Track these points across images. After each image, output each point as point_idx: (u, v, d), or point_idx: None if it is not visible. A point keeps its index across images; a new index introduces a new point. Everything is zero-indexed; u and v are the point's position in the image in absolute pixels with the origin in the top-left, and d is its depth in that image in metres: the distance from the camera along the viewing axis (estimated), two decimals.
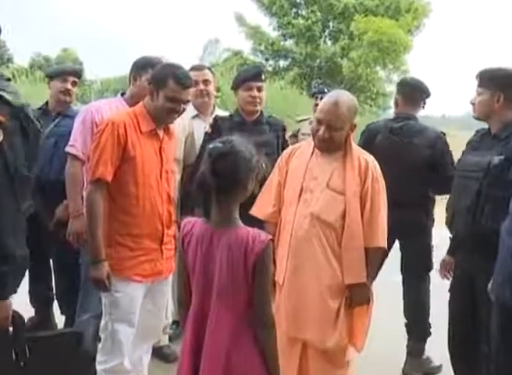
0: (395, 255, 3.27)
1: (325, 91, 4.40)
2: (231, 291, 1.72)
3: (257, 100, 3.10)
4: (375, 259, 2.45)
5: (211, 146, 1.76)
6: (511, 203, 2.08)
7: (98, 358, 2.43)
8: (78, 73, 3.49)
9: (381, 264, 2.69)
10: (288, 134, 3.29)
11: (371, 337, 2.47)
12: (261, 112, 3.17)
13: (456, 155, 2.74)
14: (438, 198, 3.40)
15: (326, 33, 19.86)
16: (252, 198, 2.08)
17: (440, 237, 3.51)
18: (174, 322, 3.50)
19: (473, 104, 2.58)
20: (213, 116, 3.34)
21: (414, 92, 3.33)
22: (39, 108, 3.36)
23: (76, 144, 2.82)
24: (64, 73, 3.38)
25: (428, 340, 3.32)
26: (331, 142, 2.42)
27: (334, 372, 2.43)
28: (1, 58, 24.31)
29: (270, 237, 1.74)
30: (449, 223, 2.64)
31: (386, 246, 2.45)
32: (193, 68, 3.47)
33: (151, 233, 2.41)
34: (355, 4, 18.60)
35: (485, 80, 2.50)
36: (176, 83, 2.36)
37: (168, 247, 2.49)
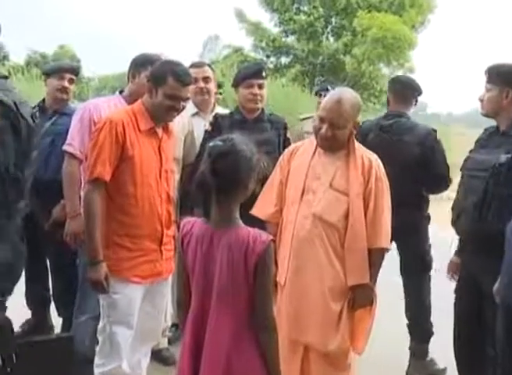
0: (396, 255, 3.29)
1: (329, 88, 4.41)
2: (231, 293, 1.72)
3: (258, 97, 3.09)
4: (377, 260, 2.45)
5: (211, 145, 1.76)
6: None
7: (96, 361, 2.44)
8: (75, 70, 3.49)
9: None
10: (290, 134, 3.29)
11: (372, 338, 2.47)
12: (262, 109, 3.17)
13: (464, 154, 2.74)
14: (437, 197, 3.40)
15: (329, 29, 19.84)
16: (253, 198, 2.08)
17: (437, 237, 3.53)
18: (173, 324, 3.50)
19: (481, 100, 2.58)
20: (213, 113, 3.34)
21: (405, 90, 3.38)
22: (35, 106, 3.36)
23: (73, 142, 2.82)
24: (61, 70, 3.38)
25: (432, 342, 3.33)
26: (334, 141, 2.42)
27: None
28: None
29: (271, 237, 1.74)
30: (455, 223, 2.63)
31: (390, 247, 2.46)
32: (193, 65, 3.47)
33: (150, 234, 2.41)
34: None
35: (494, 76, 2.50)
36: (175, 80, 2.36)
37: (168, 247, 2.49)
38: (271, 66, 19.45)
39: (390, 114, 3.35)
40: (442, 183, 3.26)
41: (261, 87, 3.11)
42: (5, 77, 2.17)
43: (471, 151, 2.69)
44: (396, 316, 3.43)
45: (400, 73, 18.29)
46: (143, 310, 2.47)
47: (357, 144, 2.50)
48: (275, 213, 2.55)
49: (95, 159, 2.29)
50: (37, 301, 3.57)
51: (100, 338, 2.43)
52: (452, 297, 2.73)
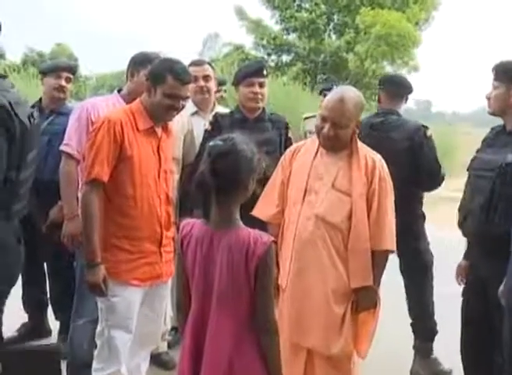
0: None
1: (333, 87, 4.41)
2: (232, 295, 1.72)
3: (259, 96, 3.09)
4: (381, 262, 2.45)
5: (211, 144, 1.76)
6: None
7: (94, 365, 2.43)
8: (72, 69, 3.49)
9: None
10: (291, 133, 3.29)
11: (376, 340, 2.48)
12: (263, 108, 3.17)
13: (471, 154, 2.74)
14: (435, 197, 3.41)
15: (331, 26, 19.84)
16: (254, 199, 2.08)
17: (434, 237, 3.54)
18: (173, 328, 3.50)
19: (488, 99, 2.57)
20: (213, 113, 3.35)
21: (396, 88, 3.43)
22: (32, 106, 3.36)
23: (70, 142, 2.82)
24: (58, 68, 3.39)
25: (437, 343, 3.35)
26: (336, 140, 2.41)
27: None
28: None
29: (272, 238, 1.74)
30: (462, 225, 2.63)
31: (394, 248, 2.45)
32: (193, 63, 3.47)
33: (150, 236, 2.41)
34: None
35: (501, 74, 2.49)
36: (174, 78, 2.36)
37: (168, 249, 2.49)
38: (272, 64, 19.46)
39: (381, 112, 3.39)
40: (434, 180, 3.27)
41: (261, 85, 3.10)
42: (4, 77, 2.18)
43: (477, 151, 2.68)
44: (400, 317, 3.44)
45: (404, 71, 18.30)
46: (142, 313, 2.46)
47: (360, 144, 2.50)
48: (277, 214, 2.55)
49: (93, 159, 2.29)
50: (33, 304, 3.57)
51: (98, 342, 2.43)
52: (453, 297, 2.73)
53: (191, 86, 2.59)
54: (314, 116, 4.70)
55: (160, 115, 2.43)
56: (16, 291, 2.67)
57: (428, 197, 3.48)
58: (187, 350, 1.79)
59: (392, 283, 3.38)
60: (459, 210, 2.67)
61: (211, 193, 1.74)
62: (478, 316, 2.56)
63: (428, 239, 3.38)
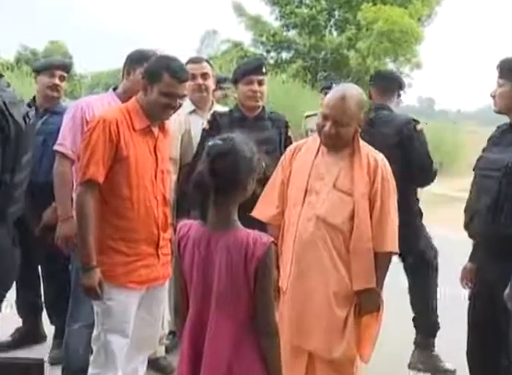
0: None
1: (333, 85, 4.41)
2: (231, 297, 1.72)
3: (259, 94, 3.09)
4: (384, 264, 2.45)
5: (210, 144, 1.76)
6: None
7: (90, 371, 2.43)
8: (67, 67, 3.48)
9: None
10: (291, 132, 3.28)
11: (379, 343, 2.48)
12: (263, 107, 3.17)
13: (477, 153, 2.74)
14: (441, 198, 3.42)
15: (331, 22, 19.86)
16: (253, 199, 2.07)
17: (438, 237, 3.55)
18: (171, 332, 3.50)
19: (493, 97, 2.56)
20: (211, 111, 3.34)
21: (386, 83, 3.48)
22: (29, 105, 3.35)
23: (65, 142, 2.81)
24: (52, 66, 3.38)
25: (440, 343, 3.38)
26: (337, 139, 2.41)
27: None
28: None
29: (272, 239, 1.74)
30: (468, 226, 2.62)
31: (397, 250, 2.44)
32: (191, 61, 3.46)
33: (147, 238, 2.40)
34: None
35: (506, 71, 2.49)
36: (171, 76, 2.35)
37: (165, 251, 2.49)
38: (271, 61, 19.47)
39: (371, 108, 3.41)
40: (426, 175, 3.29)
41: (261, 83, 3.10)
42: (1, 76, 2.17)
43: (483, 150, 2.67)
44: (403, 320, 3.46)
45: (406, 68, 18.33)
46: (139, 317, 2.46)
47: (362, 143, 2.49)
48: (277, 215, 2.55)
49: (88, 160, 2.29)
50: (28, 308, 3.56)
51: (94, 347, 2.43)
52: (457, 299, 2.73)
53: (189, 84, 2.59)
54: (315, 114, 4.70)
55: (156, 114, 2.43)
56: (11, 295, 2.66)
57: (433, 197, 3.50)
58: (186, 354, 1.79)
59: (395, 285, 3.39)
60: (465, 211, 2.66)
61: (209, 193, 1.74)
62: (485, 319, 2.56)
63: (428, 234, 3.41)
